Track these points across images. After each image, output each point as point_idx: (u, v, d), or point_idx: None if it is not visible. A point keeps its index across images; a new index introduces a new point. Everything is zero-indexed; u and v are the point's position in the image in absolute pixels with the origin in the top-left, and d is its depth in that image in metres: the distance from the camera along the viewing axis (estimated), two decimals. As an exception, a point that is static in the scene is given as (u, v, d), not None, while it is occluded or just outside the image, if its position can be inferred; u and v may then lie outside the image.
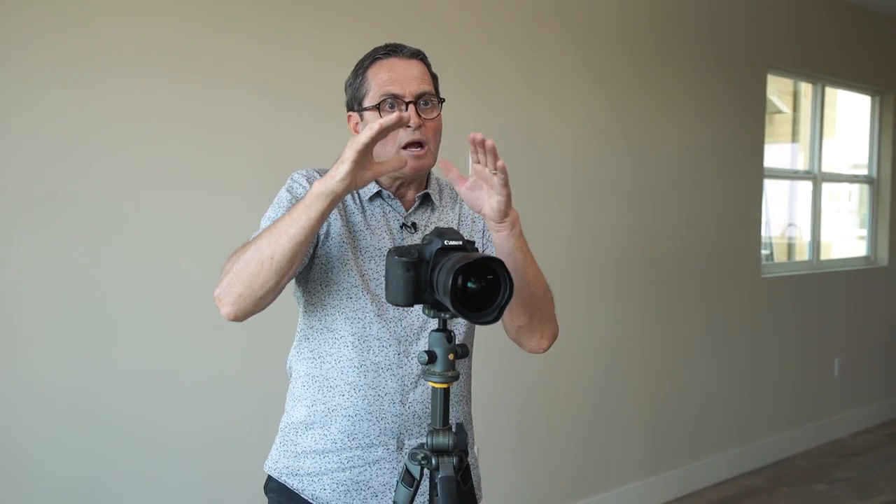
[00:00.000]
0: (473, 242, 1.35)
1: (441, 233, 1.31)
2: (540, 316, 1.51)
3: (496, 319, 1.27)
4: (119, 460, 2.41)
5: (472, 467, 1.57)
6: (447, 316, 1.31)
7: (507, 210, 1.35)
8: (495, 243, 1.41)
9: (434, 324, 1.39)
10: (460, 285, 1.23)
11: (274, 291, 1.37)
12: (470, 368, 1.66)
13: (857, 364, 5.51)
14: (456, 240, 1.30)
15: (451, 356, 1.30)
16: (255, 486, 2.58)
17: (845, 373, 5.39)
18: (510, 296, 1.25)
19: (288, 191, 1.52)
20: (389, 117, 1.27)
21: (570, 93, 3.61)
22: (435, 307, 1.32)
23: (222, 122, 2.59)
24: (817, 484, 4.48)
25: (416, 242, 1.47)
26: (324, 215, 1.31)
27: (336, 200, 1.30)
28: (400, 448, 1.50)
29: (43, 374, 2.30)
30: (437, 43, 3.09)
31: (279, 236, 1.31)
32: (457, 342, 1.33)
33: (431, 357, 1.30)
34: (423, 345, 1.50)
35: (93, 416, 2.37)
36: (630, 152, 3.89)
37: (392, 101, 1.48)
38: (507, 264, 1.29)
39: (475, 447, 1.70)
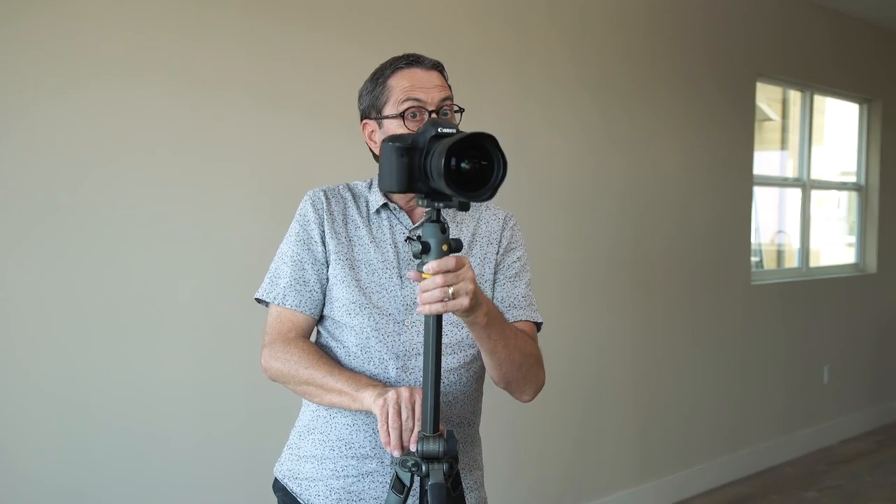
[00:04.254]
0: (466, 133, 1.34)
1: (435, 122, 1.31)
2: (518, 383, 1.53)
3: (490, 198, 1.25)
4: (112, 460, 2.40)
5: (472, 489, 1.57)
6: (441, 205, 1.29)
7: (466, 314, 1.33)
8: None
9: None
10: (454, 166, 1.22)
11: None
12: (482, 378, 1.62)
13: (847, 371, 5.52)
14: (450, 128, 1.29)
15: (444, 247, 1.27)
16: (249, 485, 2.56)
17: (835, 380, 5.40)
18: (504, 175, 1.24)
19: (298, 223, 1.57)
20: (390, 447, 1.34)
21: (562, 98, 3.61)
22: (429, 196, 1.29)
23: (215, 128, 2.57)
24: (807, 491, 4.48)
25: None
26: (350, 408, 1.46)
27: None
28: (394, 463, 1.49)
29: (38, 374, 2.29)
30: (430, 48, 3.07)
31: (324, 395, 1.47)
32: (451, 236, 1.30)
33: (425, 248, 1.27)
34: (422, 361, 1.48)
35: (86, 415, 2.36)
36: (621, 158, 3.89)
37: (415, 109, 1.49)
38: (479, 345, 1.41)
39: (482, 470, 1.67)
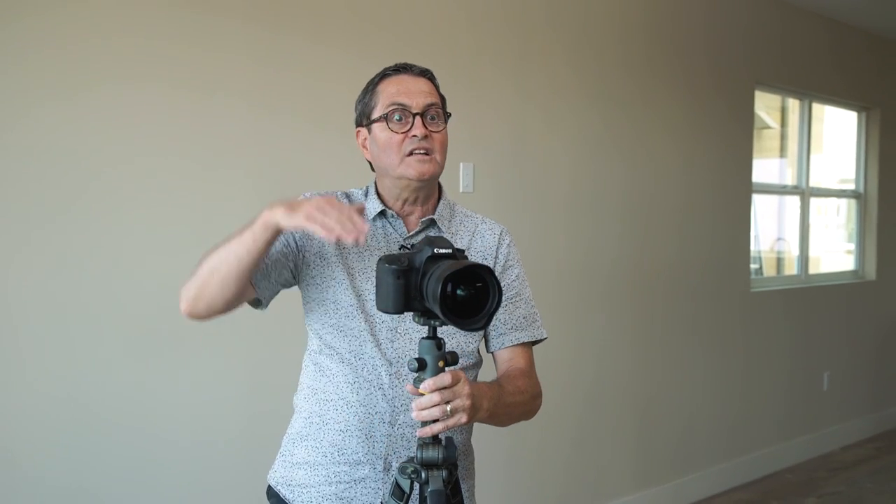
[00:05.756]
0: (463, 251, 1.35)
1: (431, 241, 1.32)
2: (518, 422, 1.61)
3: (485, 326, 1.28)
4: (113, 461, 2.41)
5: (465, 499, 1.57)
6: (437, 323, 1.31)
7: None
8: None
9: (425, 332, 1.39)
10: (449, 293, 1.24)
11: (222, 301, 1.45)
12: None
13: (846, 378, 5.53)
14: (446, 248, 1.30)
15: (441, 363, 1.30)
16: (249, 487, 2.57)
17: (834, 386, 5.41)
18: (499, 303, 1.26)
19: None
20: (344, 236, 1.27)
21: (562, 105, 3.63)
22: (425, 315, 1.32)
23: (216, 135, 2.59)
24: (807, 498, 4.49)
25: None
26: (268, 244, 1.40)
27: (279, 233, 1.39)
28: (387, 469, 1.51)
29: (42, 377, 2.30)
30: (430, 56, 3.10)
31: (232, 263, 1.41)
32: (447, 350, 1.33)
33: (421, 364, 1.30)
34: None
35: (87, 417, 2.37)
36: (621, 164, 3.91)
37: (399, 112, 1.51)
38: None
39: (473, 479, 1.69)
